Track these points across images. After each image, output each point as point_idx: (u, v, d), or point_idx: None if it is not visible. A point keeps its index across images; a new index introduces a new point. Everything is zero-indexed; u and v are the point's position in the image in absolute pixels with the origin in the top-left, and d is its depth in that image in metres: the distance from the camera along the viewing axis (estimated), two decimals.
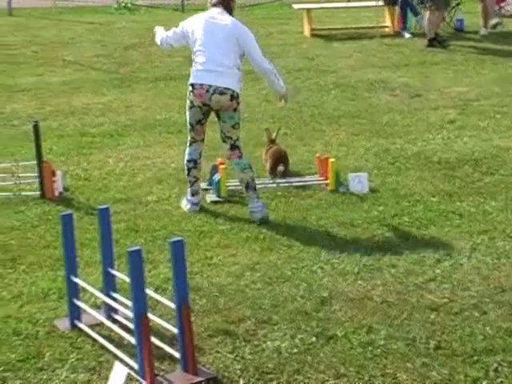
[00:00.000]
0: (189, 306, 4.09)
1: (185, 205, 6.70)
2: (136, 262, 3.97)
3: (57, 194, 7.03)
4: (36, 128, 7.02)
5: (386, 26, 15.63)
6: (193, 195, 6.66)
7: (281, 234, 6.08)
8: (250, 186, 6.46)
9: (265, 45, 13.82)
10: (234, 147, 6.50)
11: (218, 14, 6.46)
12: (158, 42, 6.84)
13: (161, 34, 6.83)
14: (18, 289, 5.25)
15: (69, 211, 5.06)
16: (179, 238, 4.10)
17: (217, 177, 6.93)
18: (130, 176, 7.57)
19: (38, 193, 7.00)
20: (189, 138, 6.64)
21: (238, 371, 4.16)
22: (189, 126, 6.59)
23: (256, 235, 6.08)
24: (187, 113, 6.54)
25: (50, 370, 4.22)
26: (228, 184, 6.97)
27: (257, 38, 6.47)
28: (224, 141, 6.53)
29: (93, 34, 15.99)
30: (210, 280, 5.30)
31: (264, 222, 6.32)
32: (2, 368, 4.24)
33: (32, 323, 4.74)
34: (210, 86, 6.29)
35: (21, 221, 6.49)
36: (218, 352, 4.35)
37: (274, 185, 7.14)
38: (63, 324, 4.71)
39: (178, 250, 4.06)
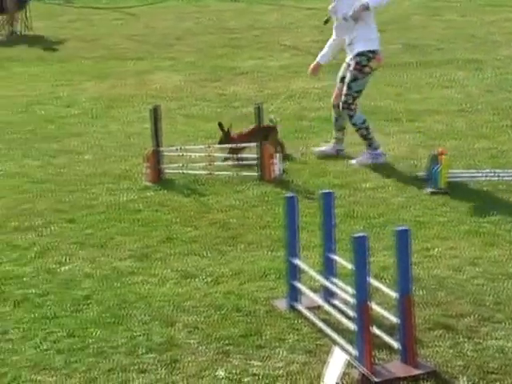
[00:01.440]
0: (411, 297, 4.03)
1: (373, 160, 7.30)
2: (361, 249, 3.95)
3: (275, 175, 7.15)
4: (259, 110, 7.17)
5: None
6: (376, 148, 7.36)
7: (504, 230, 5.85)
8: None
9: (487, 33, 13.45)
10: None
11: None
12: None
13: None
14: (238, 266, 5.39)
15: (292, 194, 5.11)
16: (405, 228, 4.05)
17: (437, 167, 6.77)
18: (347, 162, 7.56)
19: (257, 174, 7.15)
20: (354, 106, 7.31)
21: (459, 367, 4.04)
22: (356, 94, 7.28)
23: (477, 229, 5.89)
24: (362, 81, 7.25)
25: (270, 348, 4.30)
26: (448, 175, 6.79)
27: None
28: None
29: (311, 20, 16.09)
30: (429, 272, 5.19)
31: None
32: (225, 342, 4.38)
33: (252, 301, 4.85)
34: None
35: (240, 200, 6.66)
36: (437, 346, 4.25)
37: (497, 178, 6.87)
38: (282, 304, 4.78)
39: (403, 240, 4.01)
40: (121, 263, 5.50)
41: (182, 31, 14.59)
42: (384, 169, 7.31)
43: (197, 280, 5.20)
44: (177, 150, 7.33)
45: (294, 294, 4.75)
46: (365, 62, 7.23)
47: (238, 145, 7.44)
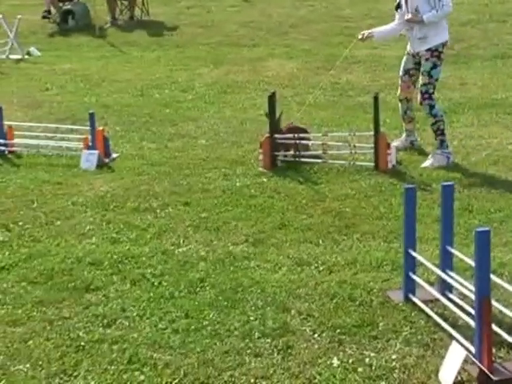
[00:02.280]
0: None
1: (447, 160, 7.15)
2: (484, 243, 3.86)
3: (390, 166, 7.07)
4: (376, 100, 7.10)
5: None
6: (448, 146, 7.25)
7: None
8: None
9: None
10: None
11: None
12: None
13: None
14: (352, 256, 5.36)
15: (410, 185, 5.05)
16: None
17: None
18: (463, 155, 7.42)
19: (371, 164, 7.09)
20: (435, 96, 7.25)
21: None
22: (436, 83, 7.22)
23: None
24: (440, 67, 7.19)
25: (385, 340, 4.27)
26: None
27: None
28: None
29: None
30: None
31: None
32: (338, 331, 4.37)
33: (366, 291, 4.83)
34: None
35: (355, 190, 6.62)
36: None
37: None
38: (397, 296, 4.73)
39: None
40: (235, 247, 5.56)
41: (297, 19, 14.58)
42: (503, 163, 7.13)
43: (311, 268, 5.20)
44: (292, 137, 7.33)
45: (410, 286, 4.69)
46: (441, 48, 7.16)
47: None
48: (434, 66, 7.15)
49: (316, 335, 4.35)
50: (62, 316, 4.65)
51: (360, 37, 7.51)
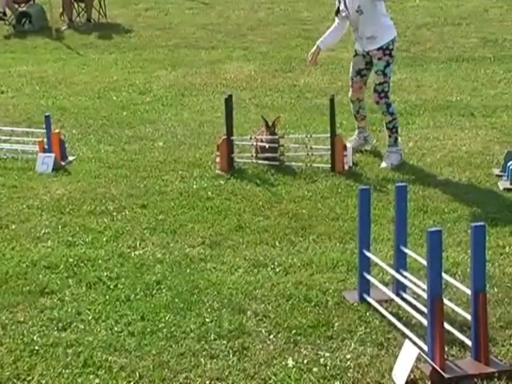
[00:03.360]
0: (485, 294, 3.98)
1: (399, 158, 7.24)
2: (435, 243, 3.92)
3: (346, 168, 7.12)
4: (332, 102, 7.14)
5: None
6: (398, 143, 7.36)
7: None
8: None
9: None
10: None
11: None
12: None
13: None
14: (308, 257, 5.40)
15: (365, 186, 5.10)
16: (481, 223, 3.99)
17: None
18: (418, 156, 7.49)
19: (328, 165, 7.13)
20: (390, 94, 7.31)
21: None
22: (389, 80, 7.28)
23: None
24: (392, 65, 7.30)
25: (340, 340, 4.30)
26: None
27: None
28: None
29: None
30: (503, 269, 5.12)
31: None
32: (294, 331, 4.40)
33: (322, 292, 4.86)
34: None
35: (311, 191, 6.66)
36: (511, 345, 4.19)
37: None
38: (352, 296, 4.77)
39: (478, 236, 3.96)
40: (192, 250, 5.56)
41: (255, 21, 14.62)
42: (457, 164, 7.22)
43: (267, 269, 5.22)
44: (249, 139, 7.36)
45: (365, 287, 4.73)
46: (392, 46, 7.18)
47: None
48: (388, 65, 7.19)
49: (272, 336, 4.37)
50: (16, 320, 4.61)
51: (310, 59, 7.51)
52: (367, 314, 4.58)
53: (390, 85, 7.28)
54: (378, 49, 7.15)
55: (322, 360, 4.12)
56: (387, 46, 7.15)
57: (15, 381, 4.02)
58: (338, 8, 7.26)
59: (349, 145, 7.30)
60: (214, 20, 14.85)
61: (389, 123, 7.32)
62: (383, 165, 7.20)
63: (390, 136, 7.35)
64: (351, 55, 10.21)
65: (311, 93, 9.97)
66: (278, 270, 5.21)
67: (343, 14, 7.22)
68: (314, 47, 7.48)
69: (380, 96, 7.25)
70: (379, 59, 7.18)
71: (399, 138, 7.39)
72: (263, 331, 4.42)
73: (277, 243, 5.64)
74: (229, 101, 7.24)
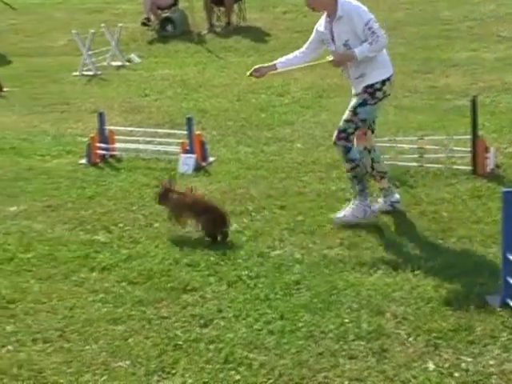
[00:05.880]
0: None
1: (362, 214, 6.05)
2: None
3: (488, 170, 6.96)
4: (474, 103, 7.00)
5: None
6: (367, 198, 6.11)
7: None
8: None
9: None
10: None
11: None
12: None
13: None
14: (448, 260, 5.32)
15: (509, 188, 4.96)
16: None
17: None
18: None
19: (469, 167, 6.99)
20: (353, 137, 6.04)
21: None
22: (361, 124, 6.00)
23: None
24: (371, 107, 5.97)
25: (482, 345, 4.23)
26: None
27: None
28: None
29: None
30: None
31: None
32: (434, 335, 4.34)
33: (463, 295, 4.79)
34: None
35: (451, 194, 6.55)
36: None
37: None
38: (494, 301, 4.66)
39: None
40: (330, 251, 5.58)
41: (393, 22, 14.45)
42: None
43: (406, 271, 5.18)
44: (388, 141, 7.30)
45: (509, 291, 4.61)
46: (378, 85, 5.95)
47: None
48: (363, 104, 5.94)
49: (411, 339, 4.34)
50: (160, 315, 4.77)
51: (257, 73, 6.59)
52: (511, 319, 4.46)
53: (357, 128, 5.99)
54: (365, 87, 5.97)
55: (463, 365, 4.05)
56: (372, 85, 5.94)
57: (160, 373, 4.16)
58: (323, 40, 6.11)
59: (374, 207, 6.21)
60: None
61: (348, 172, 6.09)
62: (336, 216, 6.10)
63: (351, 187, 6.21)
64: (493, 55, 9.93)
65: (451, 94, 9.79)
66: (417, 272, 5.16)
67: (329, 48, 6.08)
68: (269, 64, 6.51)
69: (339, 136, 5.99)
70: (359, 94, 6.01)
71: (366, 191, 6.11)
72: (402, 333, 4.39)
73: (416, 245, 5.58)
74: None
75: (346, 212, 6.08)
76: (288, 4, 16.48)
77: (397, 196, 6.31)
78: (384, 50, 6.04)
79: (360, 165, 6.05)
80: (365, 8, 6.04)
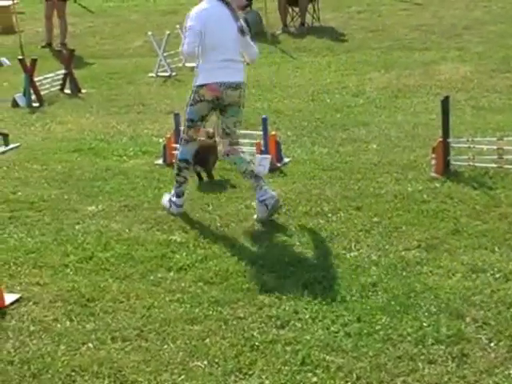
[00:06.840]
0: None
1: (168, 206, 6.54)
2: None
3: None
4: None
5: None
6: (178, 196, 6.51)
7: None
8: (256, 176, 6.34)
9: None
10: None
11: None
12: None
13: None
14: None
15: None
16: None
17: None
18: None
19: None
20: (185, 136, 6.50)
21: None
22: (187, 123, 6.44)
23: None
24: (188, 108, 6.40)
25: None
26: None
27: None
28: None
29: None
30: None
31: (276, 210, 6.21)
32: None
33: None
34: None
35: None
36: None
37: None
38: None
39: None
40: (407, 253, 5.51)
41: (471, 20, 14.24)
42: None
43: (486, 275, 5.08)
44: (466, 141, 7.18)
45: None
46: (195, 88, 6.36)
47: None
48: (187, 104, 6.44)
49: (492, 344, 4.25)
50: (236, 316, 4.78)
51: None
52: None
53: (189, 128, 6.43)
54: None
55: None
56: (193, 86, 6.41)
57: (237, 374, 4.17)
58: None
59: None
60: (428, 20, 14.61)
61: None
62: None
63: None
64: None
65: None
66: (497, 276, 5.06)
67: None
68: None
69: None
70: None
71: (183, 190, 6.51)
72: (483, 338, 4.31)
73: (496, 248, 5.47)
74: (445, 102, 7.11)
75: (165, 200, 6.60)
76: (362, 3, 16.39)
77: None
78: (209, 61, 6.36)
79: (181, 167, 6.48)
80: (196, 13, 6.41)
